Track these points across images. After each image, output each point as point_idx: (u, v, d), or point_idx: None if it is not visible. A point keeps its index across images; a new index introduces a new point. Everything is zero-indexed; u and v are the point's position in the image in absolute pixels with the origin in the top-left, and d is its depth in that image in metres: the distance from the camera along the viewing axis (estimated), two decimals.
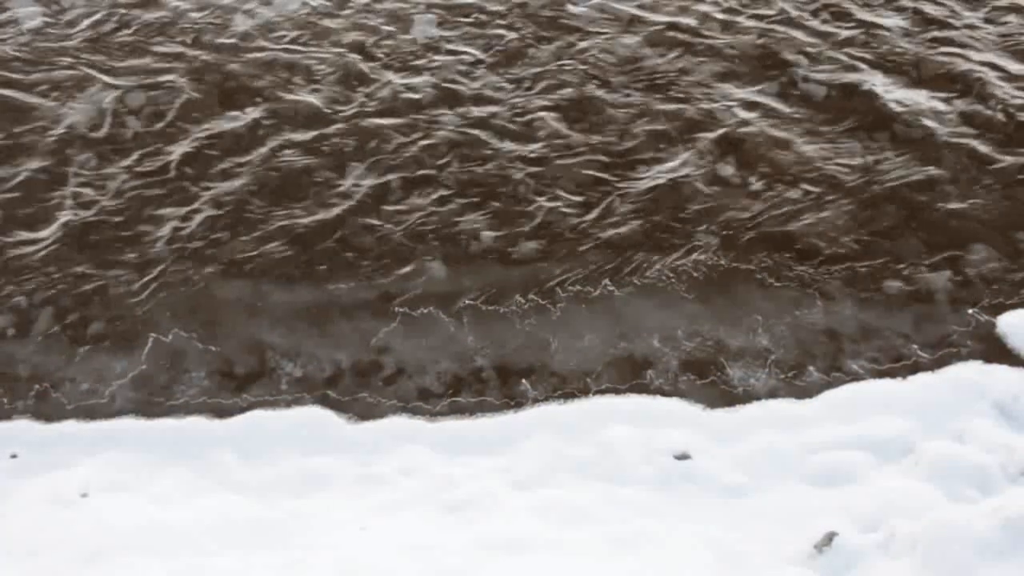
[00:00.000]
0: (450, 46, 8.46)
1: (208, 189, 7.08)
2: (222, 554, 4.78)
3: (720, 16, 8.85)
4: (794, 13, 8.89)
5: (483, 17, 8.83)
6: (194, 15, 8.82)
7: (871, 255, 6.65)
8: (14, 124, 7.61)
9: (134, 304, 6.33)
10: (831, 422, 5.58)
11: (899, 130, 7.57)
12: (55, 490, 5.18)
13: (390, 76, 8.14)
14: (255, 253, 6.65)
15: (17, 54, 8.31)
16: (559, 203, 6.99)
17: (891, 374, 5.97)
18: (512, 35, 8.59)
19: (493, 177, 7.19)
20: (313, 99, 7.89)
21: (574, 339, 6.18)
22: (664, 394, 5.88)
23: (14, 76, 8.07)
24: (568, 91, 7.96)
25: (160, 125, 7.62)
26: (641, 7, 8.97)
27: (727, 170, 7.25)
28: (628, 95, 7.92)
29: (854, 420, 5.59)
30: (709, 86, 8.03)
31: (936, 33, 8.64)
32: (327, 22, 8.76)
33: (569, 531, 4.86)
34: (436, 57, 8.34)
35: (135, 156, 7.34)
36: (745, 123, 7.64)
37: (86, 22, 8.68)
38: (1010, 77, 8.08)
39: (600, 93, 7.94)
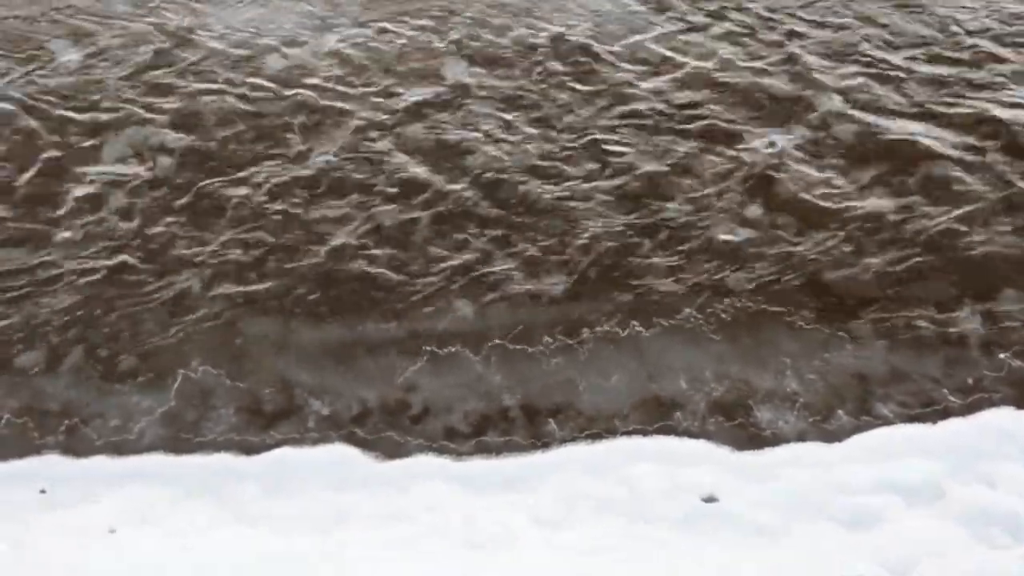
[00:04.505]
0: (481, 89, 8.53)
1: (238, 227, 7.14)
2: None
3: (750, 59, 8.88)
4: (824, 57, 8.91)
5: (514, 60, 8.90)
6: (230, 52, 8.94)
7: (901, 298, 6.61)
8: (51, 160, 7.71)
9: (164, 341, 6.37)
10: (860, 465, 5.53)
11: (930, 173, 7.55)
12: (83, 525, 5.20)
13: (420, 116, 8.21)
14: (283, 290, 6.69)
15: (54, 93, 8.44)
16: (587, 243, 7.00)
17: (921, 418, 5.91)
18: (543, 77, 8.65)
19: (521, 216, 7.22)
20: (343, 139, 7.96)
21: (601, 379, 6.16)
22: (691, 435, 5.85)
23: (52, 113, 8.19)
24: (596, 133, 7.99)
25: (193, 163, 7.70)
26: (671, 48, 9.03)
27: (756, 211, 7.24)
28: (657, 136, 7.95)
29: (884, 464, 5.53)
30: (739, 127, 8.04)
31: (968, 76, 8.63)
32: (359, 63, 8.86)
33: (593, 568, 4.83)
34: (467, 99, 8.40)
35: (168, 194, 7.42)
36: (775, 165, 7.64)
37: (122, 62, 8.81)
38: None
39: (628, 135, 7.97)
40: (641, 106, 8.30)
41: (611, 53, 8.98)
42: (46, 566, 4.91)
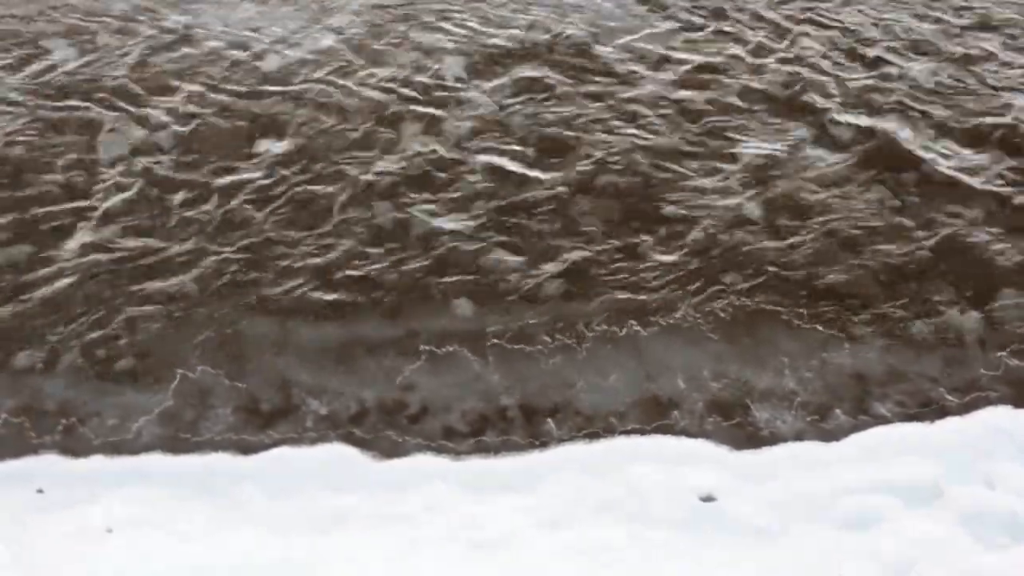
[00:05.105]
0: (480, 87, 8.52)
1: (235, 225, 7.13)
2: None
3: (749, 59, 8.88)
4: (823, 57, 8.91)
5: (513, 58, 8.89)
6: (226, 53, 8.93)
7: (899, 298, 6.62)
8: (47, 159, 7.69)
9: (162, 340, 6.36)
10: (858, 465, 5.53)
11: (927, 174, 7.56)
12: (80, 525, 5.18)
13: (418, 114, 8.20)
14: (282, 290, 6.68)
15: (52, 92, 8.42)
16: (586, 242, 7.00)
17: (919, 418, 5.92)
18: (540, 76, 8.64)
19: (521, 216, 7.21)
20: (340, 137, 7.95)
21: (600, 379, 6.16)
22: (690, 435, 5.85)
23: (49, 113, 8.17)
24: (595, 131, 7.99)
25: (189, 162, 7.69)
26: (670, 48, 9.03)
27: (754, 211, 7.25)
28: (656, 136, 7.95)
29: (882, 463, 5.54)
30: (738, 126, 8.04)
31: (970, 79, 8.64)
32: (356, 61, 8.85)
33: (591, 568, 4.84)
34: (466, 97, 8.40)
35: (164, 192, 7.40)
36: (773, 165, 7.64)
37: (119, 61, 8.80)
38: None
39: (627, 134, 7.97)
40: (640, 105, 8.30)
41: (610, 52, 8.97)
42: (43, 566, 4.90)
